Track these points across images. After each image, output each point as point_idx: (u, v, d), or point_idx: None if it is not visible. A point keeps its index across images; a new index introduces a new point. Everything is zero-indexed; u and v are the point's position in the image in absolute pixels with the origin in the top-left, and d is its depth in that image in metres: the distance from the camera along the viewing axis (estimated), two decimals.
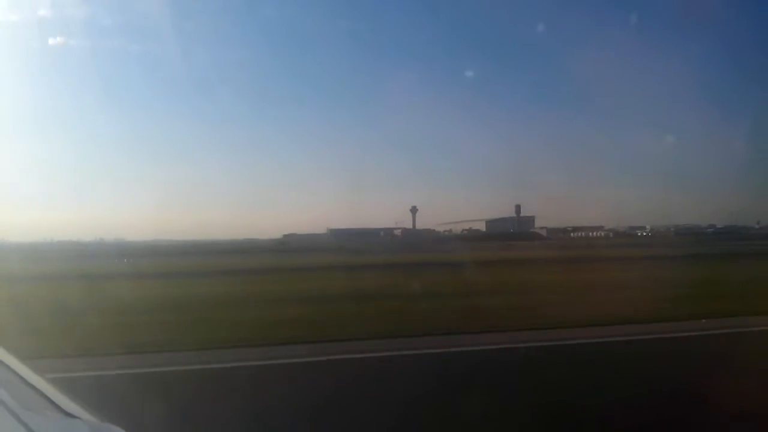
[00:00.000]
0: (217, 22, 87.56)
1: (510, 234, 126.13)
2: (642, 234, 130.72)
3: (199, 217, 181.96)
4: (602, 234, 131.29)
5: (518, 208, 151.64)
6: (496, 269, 29.10)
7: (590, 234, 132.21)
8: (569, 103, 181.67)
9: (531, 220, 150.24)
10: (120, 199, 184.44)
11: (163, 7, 67.99)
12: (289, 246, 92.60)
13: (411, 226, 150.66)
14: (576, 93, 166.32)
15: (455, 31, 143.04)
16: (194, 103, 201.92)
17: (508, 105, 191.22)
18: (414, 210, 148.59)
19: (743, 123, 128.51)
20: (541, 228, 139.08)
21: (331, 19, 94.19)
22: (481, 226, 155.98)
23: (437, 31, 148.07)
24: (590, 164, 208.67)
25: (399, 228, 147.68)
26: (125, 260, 44.44)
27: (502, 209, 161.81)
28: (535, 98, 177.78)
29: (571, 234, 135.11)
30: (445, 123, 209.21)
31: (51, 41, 55.58)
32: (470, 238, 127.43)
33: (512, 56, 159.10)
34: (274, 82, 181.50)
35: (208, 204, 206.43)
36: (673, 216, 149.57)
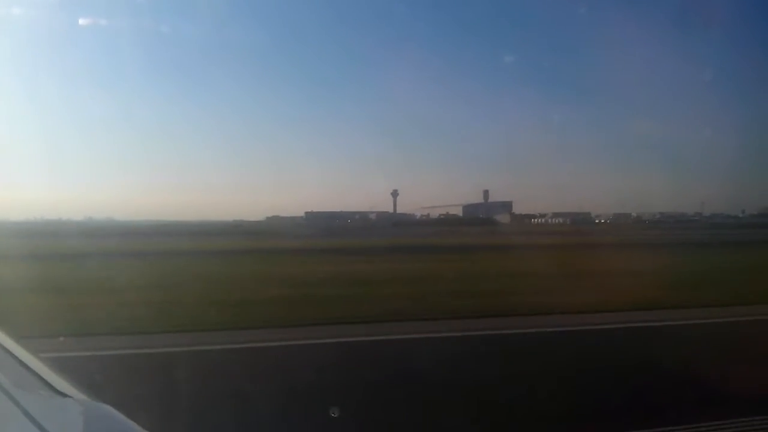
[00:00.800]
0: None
1: (480, 219, 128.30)
2: (629, 221, 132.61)
3: (188, 198, 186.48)
4: (568, 221, 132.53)
5: (486, 193, 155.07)
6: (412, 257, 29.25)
7: (561, 221, 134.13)
8: (556, 90, 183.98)
9: (509, 205, 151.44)
10: (110, 179, 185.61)
11: None
12: (269, 228, 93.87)
13: (392, 210, 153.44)
14: (563, 80, 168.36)
15: (435, 14, 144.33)
16: (185, 87, 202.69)
17: (492, 90, 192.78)
18: (395, 194, 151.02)
19: (727, 112, 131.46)
20: (504, 214, 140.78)
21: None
22: (458, 211, 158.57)
23: (416, 14, 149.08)
24: (576, 151, 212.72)
25: (374, 212, 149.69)
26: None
27: (481, 194, 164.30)
28: (517, 83, 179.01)
29: (533, 220, 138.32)
30: (428, 108, 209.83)
31: (31, 18, 55.87)
32: (445, 222, 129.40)
33: (501, 40, 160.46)
34: (263, 66, 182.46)
35: (198, 185, 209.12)
36: (659, 204, 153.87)
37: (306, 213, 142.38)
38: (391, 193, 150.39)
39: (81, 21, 69.00)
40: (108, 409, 1.86)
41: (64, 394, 1.92)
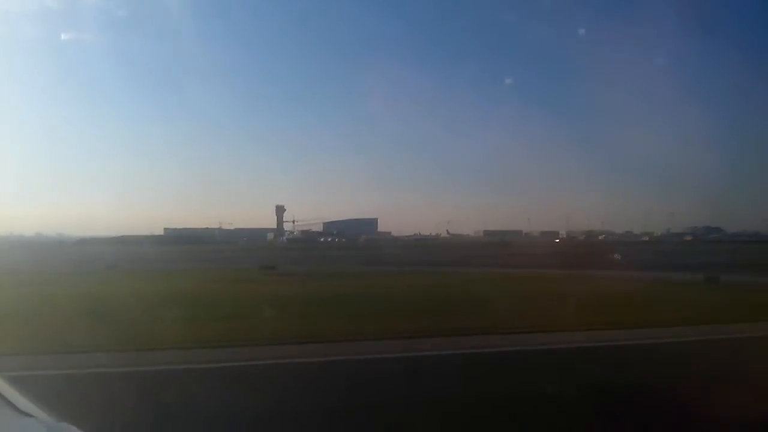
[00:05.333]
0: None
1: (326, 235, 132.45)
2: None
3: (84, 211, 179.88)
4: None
5: (279, 209, 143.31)
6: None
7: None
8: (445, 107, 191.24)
9: (373, 222, 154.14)
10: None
11: None
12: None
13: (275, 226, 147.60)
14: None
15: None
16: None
17: (386, 106, 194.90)
18: (280, 209, 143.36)
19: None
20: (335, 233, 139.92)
21: None
22: (320, 227, 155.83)
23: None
24: (451, 171, 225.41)
25: (225, 228, 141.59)
26: None
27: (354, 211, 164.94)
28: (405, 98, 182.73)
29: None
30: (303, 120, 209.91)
31: None
32: (299, 239, 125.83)
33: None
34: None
35: (95, 199, 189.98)
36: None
37: (165, 229, 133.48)
38: (276, 209, 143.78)
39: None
40: (71, 429, 1.83)
41: (27, 414, 1.88)
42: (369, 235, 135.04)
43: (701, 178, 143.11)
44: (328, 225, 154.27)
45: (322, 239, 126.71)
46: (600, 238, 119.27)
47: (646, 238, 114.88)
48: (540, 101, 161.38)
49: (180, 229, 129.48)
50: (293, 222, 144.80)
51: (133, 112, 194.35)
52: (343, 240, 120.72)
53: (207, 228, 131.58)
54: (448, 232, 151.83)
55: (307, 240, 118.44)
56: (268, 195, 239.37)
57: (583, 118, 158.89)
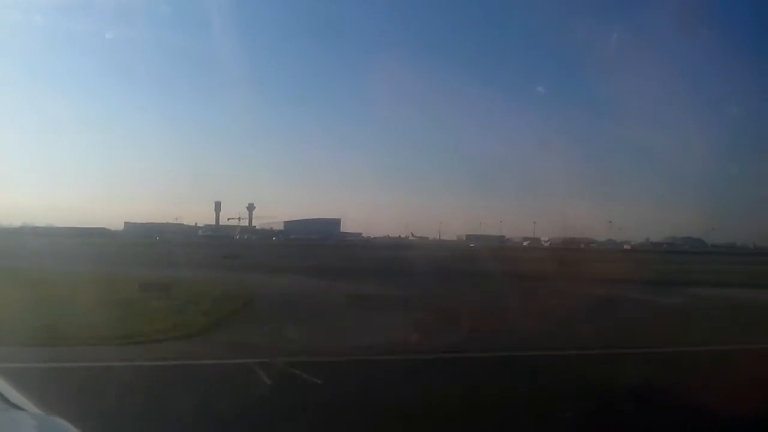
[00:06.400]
0: None
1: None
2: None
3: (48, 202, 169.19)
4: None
5: (218, 205, 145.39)
6: None
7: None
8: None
9: (336, 222, 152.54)
10: None
11: None
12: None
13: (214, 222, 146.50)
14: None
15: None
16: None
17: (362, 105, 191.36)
18: (218, 205, 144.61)
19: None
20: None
21: None
22: (281, 226, 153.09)
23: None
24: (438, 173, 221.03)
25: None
26: None
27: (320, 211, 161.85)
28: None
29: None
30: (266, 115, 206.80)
31: None
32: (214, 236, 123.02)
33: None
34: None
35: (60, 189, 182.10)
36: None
37: (125, 223, 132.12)
38: (215, 205, 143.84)
39: None
40: (62, 423, 1.82)
41: (17, 407, 1.89)
42: (334, 236, 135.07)
43: (696, 186, 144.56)
44: (289, 224, 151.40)
45: (274, 238, 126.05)
46: (583, 245, 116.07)
47: (628, 247, 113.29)
48: (525, 102, 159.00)
49: (141, 223, 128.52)
50: (239, 219, 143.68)
51: (130, 110, 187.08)
52: (280, 238, 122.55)
53: (167, 222, 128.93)
54: (412, 235, 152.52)
55: (222, 237, 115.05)
56: (241, 193, 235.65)
57: (573, 121, 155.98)
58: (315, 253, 52.88)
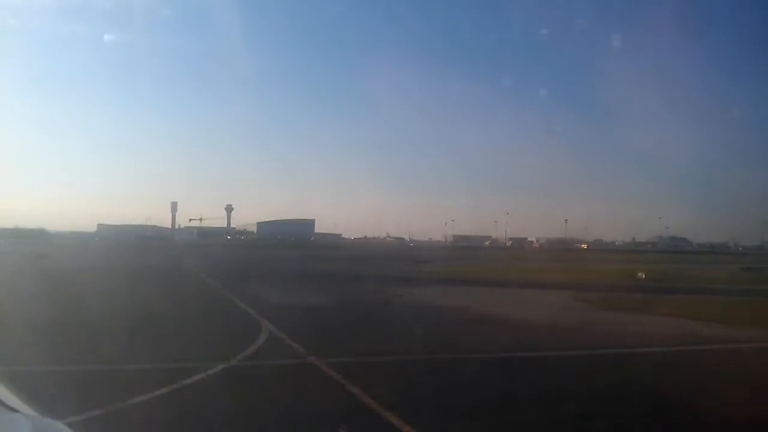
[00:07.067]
0: None
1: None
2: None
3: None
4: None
5: (174, 205, 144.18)
6: None
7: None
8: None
9: (310, 223, 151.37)
10: None
11: None
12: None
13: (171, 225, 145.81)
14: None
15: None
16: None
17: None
18: (174, 206, 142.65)
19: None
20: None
21: None
22: (254, 228, 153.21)
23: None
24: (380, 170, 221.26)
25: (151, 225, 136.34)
26: None
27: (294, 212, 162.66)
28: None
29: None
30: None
31: None
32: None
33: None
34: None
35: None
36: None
37: (98, 225, 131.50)
38: (171, 205, 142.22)
39: None
40: (57, 425, 1.81)
41: (12, 409, 1.88)
42: (310, 236, 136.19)
43: (688, 186, 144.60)
44: (263, 225, 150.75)
45: (242, 236, 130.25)
46: (578, 246, 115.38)
47: (584, 246, 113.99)
48: (512, 102, 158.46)
49: (113, 225, 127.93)
50: (200, 220, 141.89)
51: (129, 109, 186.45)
52: (242, 238, 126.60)
53: (140, 225, 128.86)
54: (388, 235, 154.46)
55: (163, 237, 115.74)
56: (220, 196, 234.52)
57: (565, 122, 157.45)
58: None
